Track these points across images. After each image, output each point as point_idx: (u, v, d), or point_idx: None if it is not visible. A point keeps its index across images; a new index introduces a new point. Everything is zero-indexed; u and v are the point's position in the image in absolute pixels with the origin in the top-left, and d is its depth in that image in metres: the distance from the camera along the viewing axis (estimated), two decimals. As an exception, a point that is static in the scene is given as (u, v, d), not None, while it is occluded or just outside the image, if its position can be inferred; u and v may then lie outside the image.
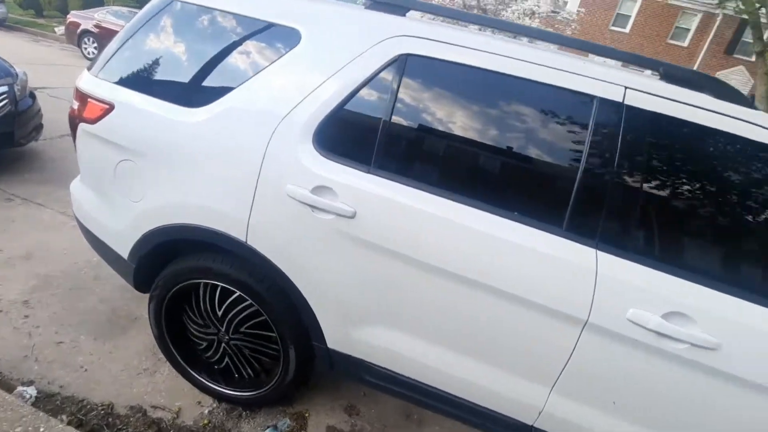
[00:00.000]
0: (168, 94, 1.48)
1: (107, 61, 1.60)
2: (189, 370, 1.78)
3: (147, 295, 1.71)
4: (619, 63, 1.45)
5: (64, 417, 1.60)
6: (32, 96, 3.57)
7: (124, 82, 1.56)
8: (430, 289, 1.31)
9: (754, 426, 1.18)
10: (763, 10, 9.85)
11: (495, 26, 1.52)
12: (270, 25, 1.44)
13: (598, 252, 1.21)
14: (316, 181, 1.32)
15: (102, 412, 1.67)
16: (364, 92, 1.33)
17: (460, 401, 1.46)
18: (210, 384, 1.76)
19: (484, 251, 1.25)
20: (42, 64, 7.91)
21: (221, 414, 1.76)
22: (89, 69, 1.67)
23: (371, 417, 1.89)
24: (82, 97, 1.60)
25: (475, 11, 12.01)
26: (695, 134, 1.21)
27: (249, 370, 1.74)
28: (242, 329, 1.65)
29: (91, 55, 9.63)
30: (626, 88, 1.22)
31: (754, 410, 1.17)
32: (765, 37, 9.97)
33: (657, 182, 1.23)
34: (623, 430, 1.31)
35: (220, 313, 1.64)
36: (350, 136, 1.37)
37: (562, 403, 1.34)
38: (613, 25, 18.95)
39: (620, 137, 1.21)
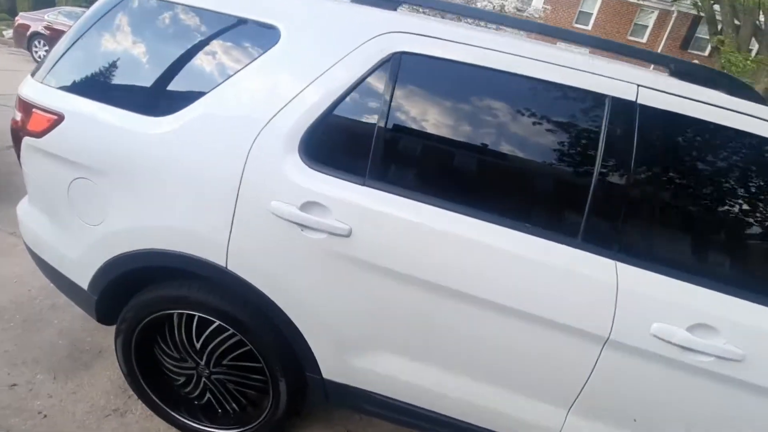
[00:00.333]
0: (127, 102, 1.30)
1: (54, 65, 1.39)
2: (165, 408, 1.59)
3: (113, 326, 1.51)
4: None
5: (18, 477, 1.39)
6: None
7: (74, 88, 1.36)
8: (436, 311, 1.19)
9: None
10: (717, 6, 10.32)
11: (495, 21, 1.41)
12: (243, 22, 1.28)
13: (618, 263, 1.12)
14: (305, 197, 1.17)
15: (65, 466, 1.46)
16: (354, 95, 1.19)
17: (470, 427, 1.35)
18: (190, 422, 1.58)
19: (493, 267, 1.14)
20: (-13, 69, 7.32)
21: (204, 456, 1.58)
22: (33, 74, 1.45)
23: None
24: (26, 106, 1.39)
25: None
26: (713, 134, 1.14)
27: (234, 405, 1.57)
28: (224, 362, 1.48)
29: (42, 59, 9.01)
30: (639, 86, 1.14)
31: None
32: (720, 31, 10.45)
33: (674, 186, 1.15)
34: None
35: (198, 346, 1.47)
36: (341, 144, 1.23)
37: (580, 423, 1.25)
38: (576, 23, 19.51)
39: (635, 139, 1.12)
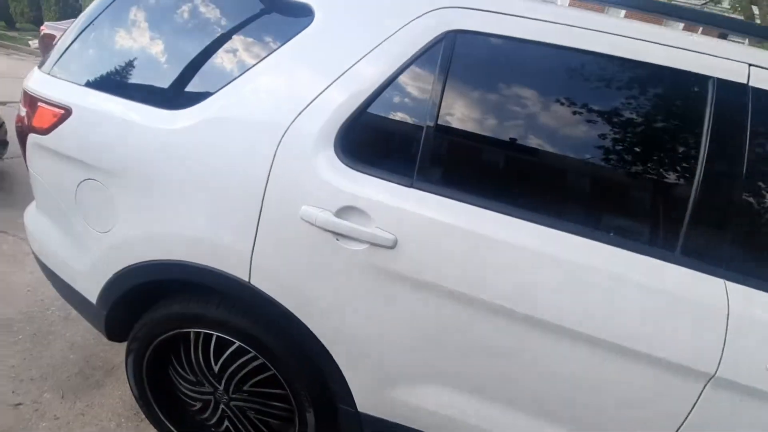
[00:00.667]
0: (140, 93, 1.15)
1: (62, 55, 1.26)
2: (180, 436, 1.43)
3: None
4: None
5: None
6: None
7: (83, 80, 1.22)
8: (500, 339, 0.99)
9: None
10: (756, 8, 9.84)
11: None
12: (271, 1, 1.12)
13: (728, 283, 0.91)
14: (342, 201, 1.00)
15: (69, 501, 1.31)
16: (401, 82, 1.01)
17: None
18: (206, 453, 1.41)
19: (573, 288, 0.94)
20: (12, 77, 7.45)
21: (222, 491, 1.41)
22: (40, 66, 1.32)
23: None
24: (31, 100, 1.26)
25: None
26: None
27: (255, 435, 1.40)
28: (245, 387, 1.31)
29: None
30: (750, 65, 0.93)
31: None
32: None
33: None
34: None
35: (216, 369, 1.30)
36: (385, 139, 1.06)
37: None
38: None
39: (748, 130, 0.91)
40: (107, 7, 1.24)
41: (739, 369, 0.90)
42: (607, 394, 0.99)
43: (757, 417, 0.92)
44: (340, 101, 1.01)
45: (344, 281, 1.04)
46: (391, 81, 1.01)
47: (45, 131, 1.22)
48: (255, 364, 1.26)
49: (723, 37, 1.18)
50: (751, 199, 0.92)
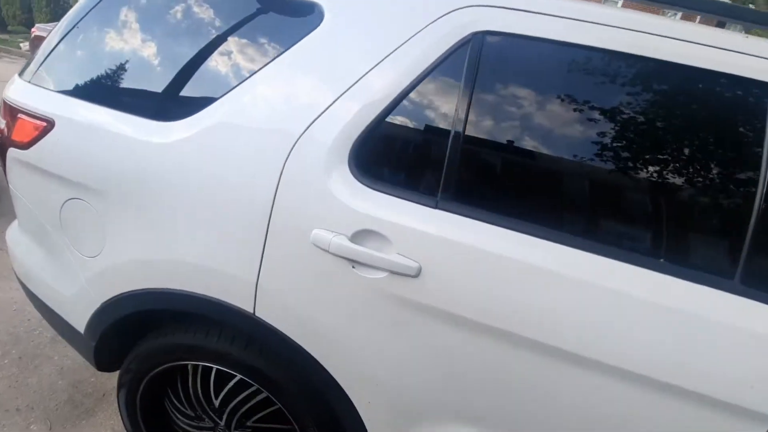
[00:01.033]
0: (130, 103, 1.04)
1: (44, 61, 1.15)
2: (177, 473, 1.31)
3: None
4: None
5: None
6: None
7: (67, 88, 1.10)
8: (534, 376, 0.89)
9: None
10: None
11: None
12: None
13: (795, 316, 0.81)
14: (359, 223, 0.89)
15: None
16: (422, 90, 0.91)
17: None
18: (207, 492, 1.30)
19: (619, 320, 0.83)
20: (3, 81, 7.29)
21: None
22: (21, 73, 1.21)
23: None
24: (11, 111, 1.14)
25: None
26: None
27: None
28: (249, 423, 1.20)
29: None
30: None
31: None
32: None
33: None
34: None
35: (217, 403, 1.19)
36: (405, 155, 0.95)
37: None
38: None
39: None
40: (93, 7, 1.13)
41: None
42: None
43: None
44: (354, 111, 0.91)
45: (361, 313, 0.93)
46: (411, 88, 0.90)
47: (26, 145, 1.10)
48: (259, 398, 1.15)
49: (721, 25, 1.08)
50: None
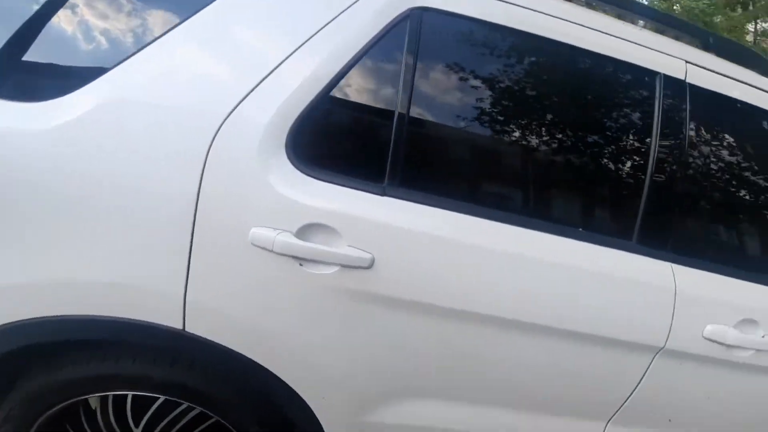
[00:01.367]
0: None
1: None
2: None
3: None
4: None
5: None
6: None
7: None
8: (484, 345, 0.95)
9: None
10: None
11: None
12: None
13: (674, 266, 1.00)
14: (304, 217, 0.81)
15: None
16: (362, 69, 0.84)
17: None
18: None
19: (551, 286, 0.93)
20: None
21: None
22: None
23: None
24: None
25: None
26: (759, 120, 1.05)
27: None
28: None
29: None
30: (687, 62, 0.99)
31: None
32: None
33: (718, 175, 1.06)
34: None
35: (138, 431, 1.03)
36: (347, 139, 0.88)
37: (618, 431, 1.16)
38: None
39: (686, 127, 0.98)
40: None
41: (682, 339, 1.01)
42: (573, 380, 1.04)
43: (692, 380, 1.06)
44: (289, 93, 0.80)
45: (311, 311, 0.87)
46: (351, 66, 0.83)
47: None
48: (191, 414, 1.03)
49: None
50: (690, 189, 1.02)
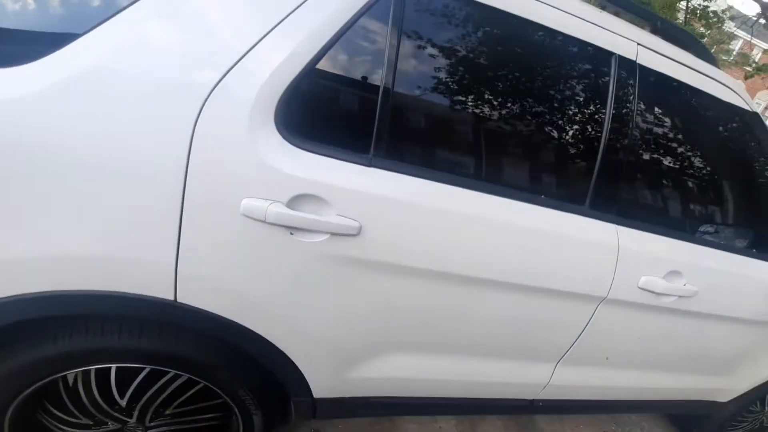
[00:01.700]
0: None
1: None
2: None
3: None
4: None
5: None
6: None
7: None
8: (459, 303, 1.05)
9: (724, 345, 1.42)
10: None
11: None
12: None
13: (618, 227, 1.14)
14: (295, 188, 0.84)
15: None
16: (350, 38, 0.85)
17: (462, 401, 1.33)
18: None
19: (521, 247, 1.04)
20: None
21: None
22: None
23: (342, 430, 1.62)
24: None
25: None
26: (692, 98, 1.19)
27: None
28: (168, 411, 1.10)
29: None
30: (638, 44, 1.10)
31: (728, 338, 1.38)
32: None
33: (655, 148, 1.20)
34: (611, 377, 1.41)
35: (124, 402, 1.04)
36: (334, 112, 0.90)
37: (565, 370, 1.34)
38: None
39: (634, 105, 1.10)
40: None
41: (621, 290, 1.18)
42: (532, 328, 1.19)
43: (626, 323, 1.24)
44: (277, 63, 0.80)
45: (302, 277, 0.91)
46: (338, 37, 0.84)
47: None
48: (178, 382, 1.05)
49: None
50: (632, 158, 1.15)
